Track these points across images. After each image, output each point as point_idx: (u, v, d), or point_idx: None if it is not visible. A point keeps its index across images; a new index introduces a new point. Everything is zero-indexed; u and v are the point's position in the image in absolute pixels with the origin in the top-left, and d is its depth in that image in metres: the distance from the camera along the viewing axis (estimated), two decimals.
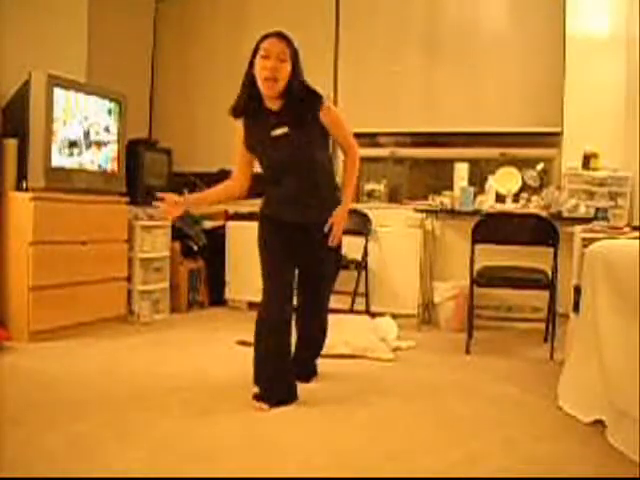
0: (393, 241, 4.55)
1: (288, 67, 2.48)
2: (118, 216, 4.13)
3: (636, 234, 3.47)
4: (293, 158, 2.54)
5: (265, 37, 2.52)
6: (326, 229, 2.56)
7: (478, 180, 4.61)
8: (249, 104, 2.57)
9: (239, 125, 2.65)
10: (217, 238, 4.99)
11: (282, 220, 2.60)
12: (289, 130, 2.51)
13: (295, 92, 2.50)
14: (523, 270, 3.71)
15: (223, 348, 3.55)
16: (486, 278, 3.67)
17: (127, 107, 4.21)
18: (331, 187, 2.69)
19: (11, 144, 3.62)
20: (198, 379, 2.89)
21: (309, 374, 2.90)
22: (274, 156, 2.57)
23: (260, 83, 2.49)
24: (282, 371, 2.58)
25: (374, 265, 4.57)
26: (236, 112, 2.61)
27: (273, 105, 2.55)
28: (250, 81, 2.54)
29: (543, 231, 3.60)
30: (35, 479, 1.79)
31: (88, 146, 3.94)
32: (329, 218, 2.57)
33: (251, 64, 2.53)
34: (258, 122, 2.58)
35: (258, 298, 2.59)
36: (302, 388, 2.70)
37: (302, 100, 2.52)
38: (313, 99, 2.54)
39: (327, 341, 3.02)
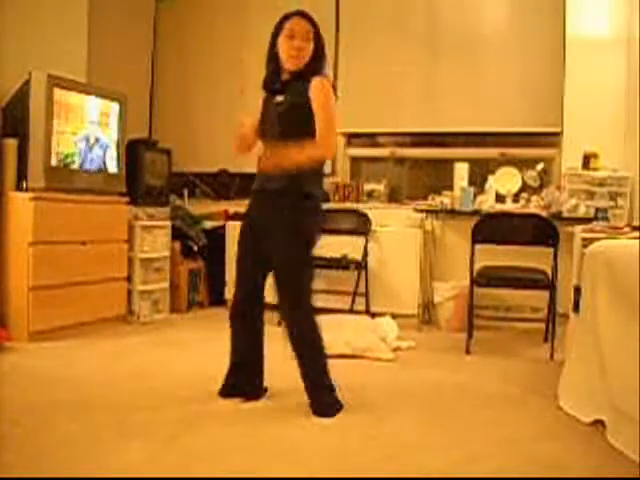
0: (393, 241, 4.55)
1: (311, 46, 2.53)
2: (118, 216, 4.13)
3: (636, 234, 3.47)
4: (278, 124, 2.54)
5: (287, 16, 2.55)
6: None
7: (478, 180, 4.61)
8: (273, 78, 2.62)
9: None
10: (217, 238, 4.99)
11: (253, 190, 2.61)
12: (284, 97, 2.55)
13: (310, 69, 2.53)
14: (523, 270, 3.71)
15: (223, 348, 3.54)
16: (486, 278, 3.67)
17: (127, 107, 4.21)
18: (303, 171, 2.49)
19: (11, 144, 3.61)
20: (198, 379, 2.89)
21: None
22: (267, 121, 2.59)
23: (285, 59, 2.53)
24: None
25: (374, 265, 4.57)
26: (267, 86, 2.66)
27: (284, 75, 2.59)
28: (272, 58, 2.58)
29: (543, 231, 3.60)
30: (35, 479, 1.79)
31: (88, 146, 3.94)
32: (288, 188, 2.46)
33: (273, 42, 2.57)
34: (269, 93, 2.64)
35: None
36: (302, 388, 2.71)
37: (311, 75, 2.52)
38: (316, 73, 2.54)
39: (327, 341, 3.02)
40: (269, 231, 2.51)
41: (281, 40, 2.53)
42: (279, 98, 2.57)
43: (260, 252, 2.56)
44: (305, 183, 2.50)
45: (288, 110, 2.52)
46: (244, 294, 2.63)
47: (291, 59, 2.51)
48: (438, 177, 5.03)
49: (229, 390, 2.63)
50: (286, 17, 2.55)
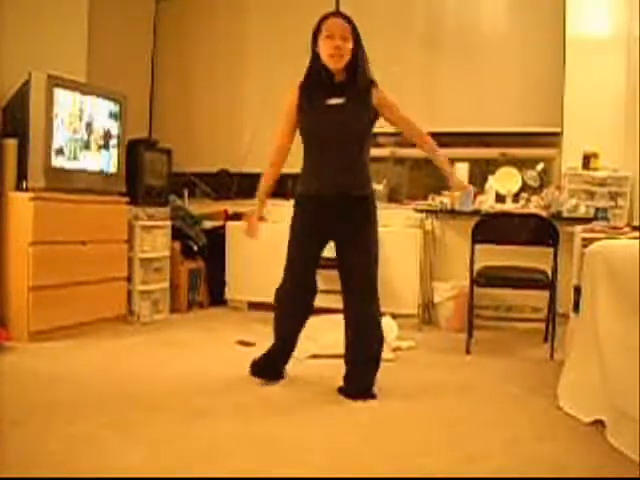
0: (393, 241, 4.54)
1: (350, 44, 2.62)
2: (118, 216, 4.13)
3: (636, 234, 3.47)
4: (340, 127, 2.63)
5: (325, 17, 2.66)
6: (457, 195, 2.86)
7: (478, 180, 4.61)
8: (315, 77, 2.70)
9: (290, 98, 2.74)
10: (217, 238, 4.99)
11: (312, 194, 2.68)
12: (344, 101, 2.63)
13: (360, 65, 2.64)
14: (523, 270, 3.71)
15: (223, 348, 3.55)
16: (486, 278, 3.67)
17: (127, 107, 4.21)
18: (366, 170, 2.72)
19: (11, 144, 3.61)
20: (198, 379, 2.89)
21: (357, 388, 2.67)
22: (323, 124, 2.67)
23: (326, 59, 2.62)
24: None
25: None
26: (305, 85, 2.73)
27: (338, 76, 2.67)
28: (314, 58, 2.68)
29: (543, 231, 3.60)
30: (35, 479, 1.79)
31: (88, 146, 3.94)
32: (361, 193, 2.66)
33: (314, 42, 2.66)
34: (318, 92, 2.68)
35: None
36: (302, 388, 2.71)
37: (362, 75, 2.65)
38: (370, 78, 2.68)
39: (327, 341, 3.02)
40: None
41: (321, 41, 2.62)
42: (337, 100, 2.64)
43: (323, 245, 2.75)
44: (368, 180, 2.74)
45: (354, 113, 2.63)
46: (298, 280, 2.75)
47: (332, 58, 2.61)
48: (438, 177, 5.01)
49: (261, 371, 2.80)
50: (323, 18, 2.66)
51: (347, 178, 2.64)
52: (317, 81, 2.69)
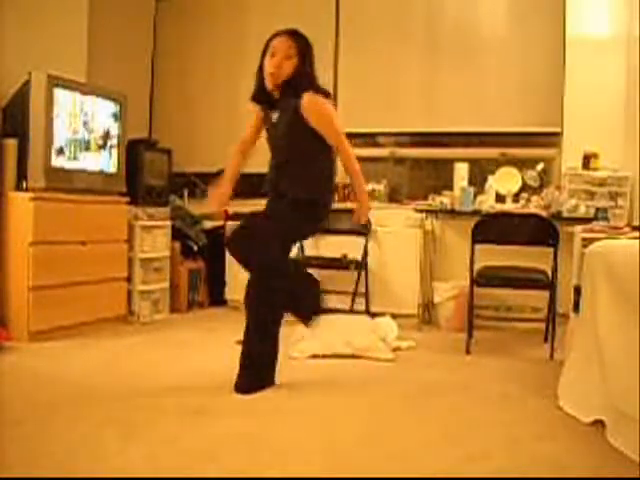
0: (393, 241, 4.55)
1: (293, 62, 2.65)
2: (118, 216, 4.13)
3: (636, 234, 3.47)
4: (277, 142, 2.76)
5: (275, 35, 2.70)
6: (355, 221, 2.80)
7: (478, 180, 4.61)
8: (261, 94, 2.77)
9: (254, 115, 2.89)
10: (217, 238, 4.99)
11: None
12: (278, 116, 2.73)
13: (293, 84, 2.66)
14: (523, 270, 3.71)
15: (223, 348, 3.55)
16: (486, 278, 3.67)
17: (127, 107, 4.21)
18: (311, 179, 2.74)
19: (11, 144, 3.61)
20: (198, 379, 2.89)
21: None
22: (270, 139, 2.82)
23: (265, 77, 2.69)
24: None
25: (374, 265, 4.57)
26: (254, 99, 2.83)
27: (276, 94, 2.73)
28: (258, 75, 2.75)
29: (543, 231, 3.60)
30: (35, 479, 1.79)
31: (88, 146, 3.94)
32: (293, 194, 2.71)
33: (263, 59, 2.71)
34: (269, 110, 2.79)
35: None
36: (302, 388, 2.71)
37: (295, 91, 2.66)
38: (303, 91, 2.65)
39: (327, 341, 3.02)
40: None
41: (265, 59, 2.68)
42: (274, 116, 2.74)
43: None
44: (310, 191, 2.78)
45: (286, 131, 2.69)
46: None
47: (269, 76, 2.67)
48: (438, 177, 5.03)
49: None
50: (272, 36, 2.70)
51: (281, 193, 2.75)
52: (268, 99, 2.76)
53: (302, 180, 2.72)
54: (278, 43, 2.66)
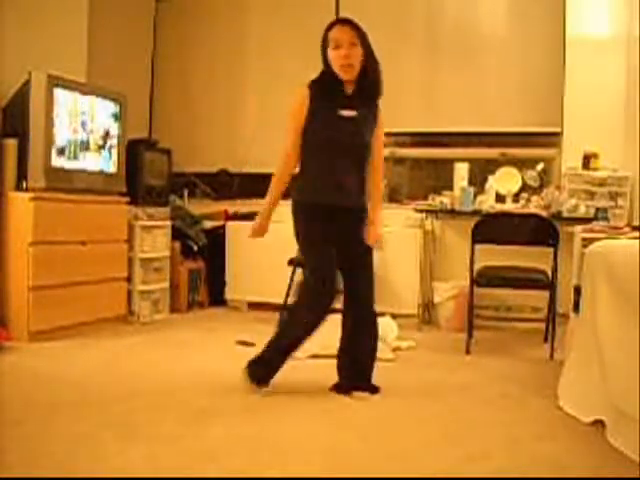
0: (393, 241, 4.54)
1: (360, 50, 2.59)
2: (118, 216, 4.13)
3: (636, 234, 3.47)
4: (353, 140, 2.63)
5: (331, 26, 2.63)
6: (367, 240, 2.71)
7: (478, 180, 4.61)
8: (326, 85, 2.65)
9: (296, 104, 2.65)
10: (217, 238, 4.99)
11: (320, 204, 2.63)
12: (357, 113, 2.63)
13: (370, 76, 2.63)
14: (523, 270, 3.71)
15: (223, 348, 3.55)
16: (486, 278, 3.67)
17: (127, 107, 4.21)
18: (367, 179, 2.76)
19: (11, 144, 3.61)
20: (198, 379, 2.89)
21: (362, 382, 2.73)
22: (335, 136, 2.62)
23: (338, 70, 2.60)
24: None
25: (374, 265, 4.55)
26: (314, 87, 2.65)
27: (348, 88, 2.65)
28: (326, 70, 2.65)
29: (543, 231, 3.60)
30: (35, 479, 1.79)
31: (88, 146, 3.94)
32: (363, 204, 2.70)
33: (324, 53, 2.63)
34: (328, 102, 2.64)
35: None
36: (302, 388, 2.71)
37: (374, 84, 2.65)
38: (380, 87, 2.68)
39: (327, 341, 3.02)
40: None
41: (329, 52, 2.61)
42: (349, 113, 2.62)
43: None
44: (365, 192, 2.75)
45: (364, 128, 2.64)
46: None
47: (342, 68, 2.59)
48: (438, 177, 5.03)
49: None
50: (328, 28, 2.63)
51: (354, 193, 2.67)
52: (328, 89, 2.65)
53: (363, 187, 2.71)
54: (339, 34, 2.58)
